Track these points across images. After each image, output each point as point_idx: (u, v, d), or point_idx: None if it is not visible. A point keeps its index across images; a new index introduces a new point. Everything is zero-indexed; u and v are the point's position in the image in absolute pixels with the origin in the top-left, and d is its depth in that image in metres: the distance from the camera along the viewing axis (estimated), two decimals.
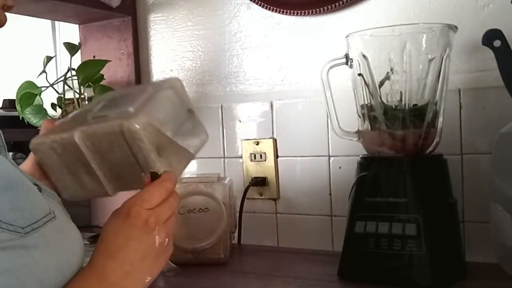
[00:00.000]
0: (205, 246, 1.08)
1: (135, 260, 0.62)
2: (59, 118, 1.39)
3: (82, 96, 1.36)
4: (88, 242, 1.27)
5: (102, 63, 1.37)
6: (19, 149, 1.49)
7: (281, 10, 1.27)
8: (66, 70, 1.35)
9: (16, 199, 0.59)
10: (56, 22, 1.68)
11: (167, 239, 0.65)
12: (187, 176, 1.18)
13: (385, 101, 0.98)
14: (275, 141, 1.31)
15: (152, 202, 0.64)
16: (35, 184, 0.66)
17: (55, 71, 1.61)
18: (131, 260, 0.62)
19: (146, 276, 0.64)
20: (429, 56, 0.97)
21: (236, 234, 1.27)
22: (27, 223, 0.58)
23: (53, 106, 1.38)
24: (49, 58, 1.33)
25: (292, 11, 1.26)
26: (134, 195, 0.66)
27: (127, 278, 0.61)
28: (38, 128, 1.32)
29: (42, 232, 0.59)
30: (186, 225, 1.08)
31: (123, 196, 1.54)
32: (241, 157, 1.36)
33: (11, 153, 1.45)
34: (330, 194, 1.25)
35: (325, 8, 1.21)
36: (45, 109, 1.33)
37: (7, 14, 0.75)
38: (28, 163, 0.82)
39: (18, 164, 0.87)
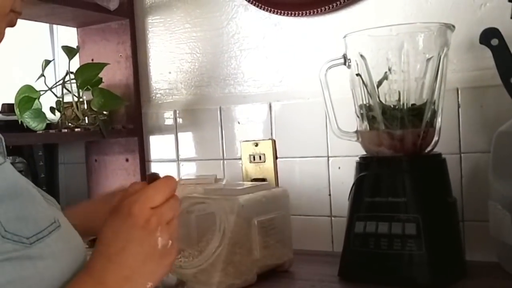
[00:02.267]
0: None
1: (136, 264, 0.59)
2: (57, 122, 1.39)
3: (81, 99, 1.37)
4: (87, 246, 1.26)
5: (101, 66, 1.37)
6: (18, 153, 1.48)
7: (279, 11, 1.27)
8: (64, 74, 1.35)
9: (21, 207, 0.57)
10: (54, 26, 1.68)
11: (170, 242, 0.61)
12: (184, 178, 1.18)
13: (383, 101, 0.98)
14: (274, 142, 1.31)
15: (155, 201, 0.60)
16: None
17: (53, 74, 1.61)
18: (131, 264, 0.58)
19: (147, 281, 0.60)
20: (427, 55, 0.97)
21: None
22: (32, 233, 0.56)
23: (52, 109, 1.38)
24: (47, 62, 1.33)
25: (289, 12, 1.26)
26: (131, 191, 0.62)
27: (127, 283, 0.58)
28: (37, 132, 1.32)
29: (47, 242, 0.57)
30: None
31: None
32: (240, 158, 1.35)
33: (10, 158, 1.45)
34: (330, 195, 1.25)
35: (323, 8, 1.21)
36: (44, 113, 1.33)
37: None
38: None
39: (18, 169, 0.87)
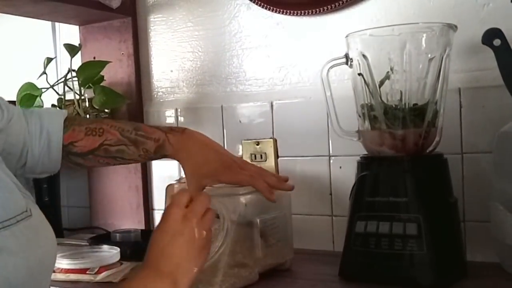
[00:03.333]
0: None
1: (182, 253, 0.70)
2: None
3: (83, 97, 1.37)
4: (87, 244, 1.27)
5: (102, 64, 1.37)
6: None
7: (281, 10, 1.27)
8: (66, 72, 1.36)
9: None
10: (56, 24, 1.68)
11: (205, 232, 0.72)
12: (184, 176, 1.17)
13: (385, 101, 0.98)
14: (275, 141, 1.31)
15: (183, 200, 0.73)
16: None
17: (55, 72, 1.61)
18: (178, 253, 0.69)
19: (193, 267, 0.70)
20: (429, 55, 0.97)
21: None
22: None
23: (53, 107, 1.38)
24: (49, 60, 1.33)
25: (292, 11, 1.26)
26: None
27: (178, 268, 0.68)
28: None
29: (13, 230, 0.59)
30: None
31: (123, 196, 1.53)
32: (241, 157, 1.35)
33: None
34: (331, 194, 1.25)
35: (325, 8, 1.21)
36: None
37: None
38: None
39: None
